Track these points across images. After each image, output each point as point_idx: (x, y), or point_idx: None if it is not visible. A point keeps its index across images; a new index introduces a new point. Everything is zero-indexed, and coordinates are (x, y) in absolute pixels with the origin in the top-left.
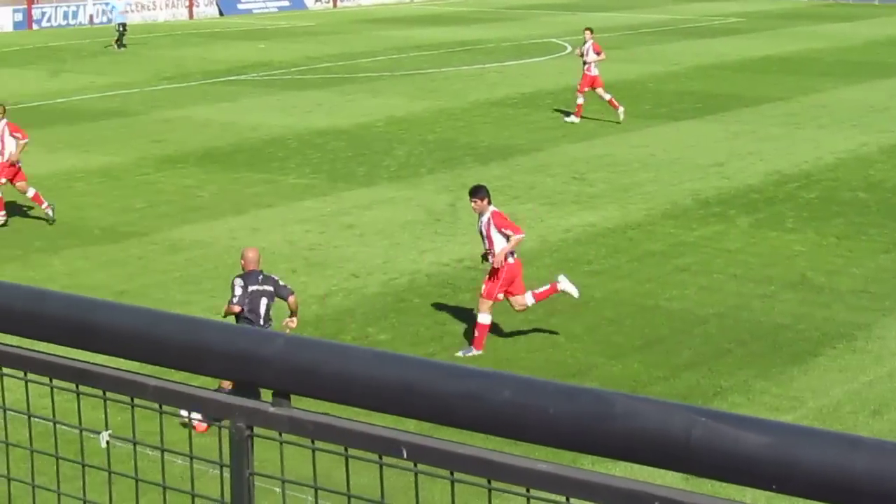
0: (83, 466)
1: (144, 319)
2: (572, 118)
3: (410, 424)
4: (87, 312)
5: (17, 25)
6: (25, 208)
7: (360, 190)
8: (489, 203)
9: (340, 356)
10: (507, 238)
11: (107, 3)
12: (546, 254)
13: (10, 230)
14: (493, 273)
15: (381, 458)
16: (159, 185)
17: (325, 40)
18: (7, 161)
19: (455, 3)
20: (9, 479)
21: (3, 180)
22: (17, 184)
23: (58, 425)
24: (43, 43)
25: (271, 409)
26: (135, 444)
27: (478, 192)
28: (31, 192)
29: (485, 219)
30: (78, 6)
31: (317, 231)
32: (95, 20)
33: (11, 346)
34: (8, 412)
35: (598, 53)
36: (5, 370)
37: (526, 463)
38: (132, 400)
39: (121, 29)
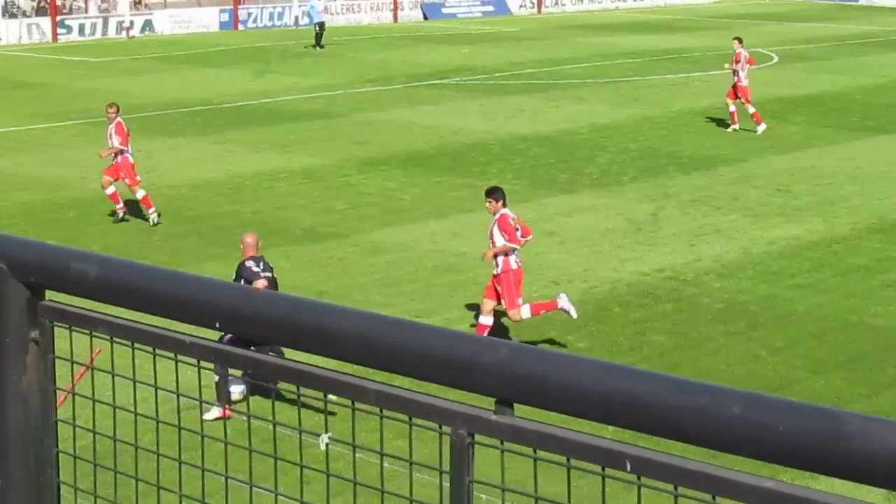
0: (300, 468)
1: (369, 324)
2: (760, 128)
3: (607, 432)
4: (309, 315)
5: (223, 25)
6: (219, 208)
7: (562, 197)
8: (504, 205)
9: (567, 366)
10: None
11: (307, 3)
12: (749, 266)
13: (213, 228)
14: (500, 284)
15: (603, 470)
16: (361, 187)
17: (528, 46)
18: (114, 159)
19: (660, 10)
20: (226, 478)
21: (131, 181)
22: (104, 177)
23: (273, 427)
24: (248, 43)
25: (493, 417)
26: (354, 448)
27: (493, 192)
28: (110, 190)
29: (494, 219)
30: (283, 7)
31: None
32: (300, 21)
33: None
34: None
35: (737, 62)
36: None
37: (753, 480)
38: (353, 404)
39: (318, 29)
